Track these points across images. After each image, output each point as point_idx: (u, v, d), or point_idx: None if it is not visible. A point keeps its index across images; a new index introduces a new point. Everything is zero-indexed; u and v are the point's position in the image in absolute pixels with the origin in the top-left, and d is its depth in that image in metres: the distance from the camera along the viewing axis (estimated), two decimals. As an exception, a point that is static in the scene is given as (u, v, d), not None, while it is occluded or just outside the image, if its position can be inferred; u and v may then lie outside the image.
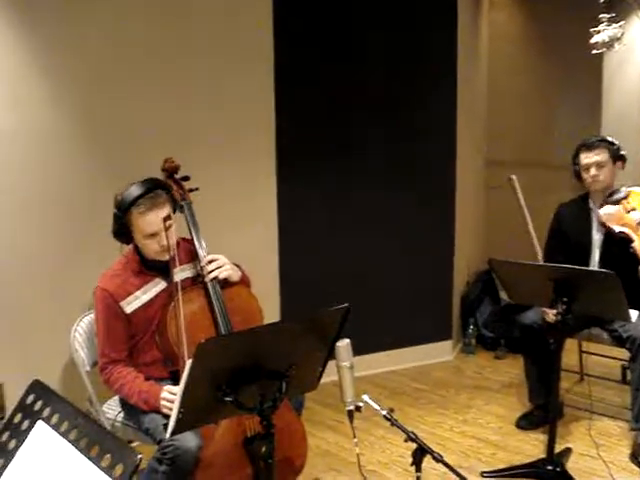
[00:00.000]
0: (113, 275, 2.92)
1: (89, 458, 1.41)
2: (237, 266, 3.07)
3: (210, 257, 2.97)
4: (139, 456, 1.33)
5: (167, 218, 2.83)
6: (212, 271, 2.93)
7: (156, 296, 2.94)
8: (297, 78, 4.35)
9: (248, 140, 4.17)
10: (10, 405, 3.42)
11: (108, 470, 1.36)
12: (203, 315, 2.90)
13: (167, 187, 2.94)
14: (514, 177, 3.69)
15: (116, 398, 3.08)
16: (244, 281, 3.10)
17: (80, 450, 1.45)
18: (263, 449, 2.22)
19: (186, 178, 3.09)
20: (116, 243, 2.92)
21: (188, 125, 3.89)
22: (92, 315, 3.15)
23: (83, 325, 3.16)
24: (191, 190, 3.08)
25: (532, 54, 6.06)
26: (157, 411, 2.75)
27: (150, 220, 2.80)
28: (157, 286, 2.96)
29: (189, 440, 2.56)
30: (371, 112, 4.62)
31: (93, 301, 2.93)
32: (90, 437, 1.46)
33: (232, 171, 4.11)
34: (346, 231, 4.66)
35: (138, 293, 2.91)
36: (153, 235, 2.82)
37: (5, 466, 1.60)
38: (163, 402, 2.72)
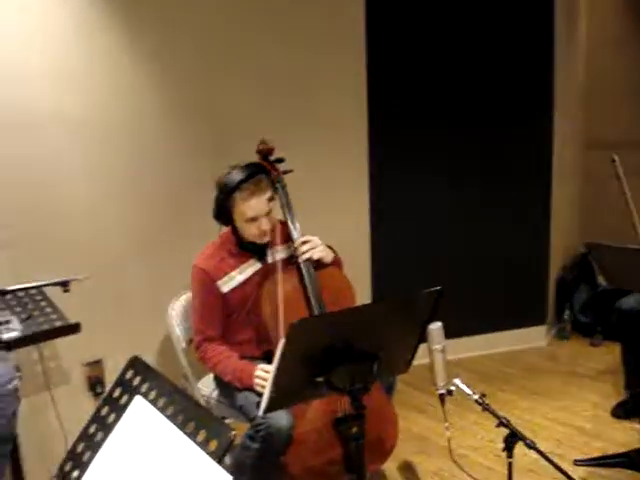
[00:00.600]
0: (210, 255, 2.98)
1: (185, 433, 1.44)
2: (329, 248, 3.08)
3: (304, 238, 2.99)
4: (233, 432, 1.36)
5: (268, 202, 2.87)
6: (306, 252, 2.95)
7: (251, 276, 2.99)
8: (390, 66, 4.32)
9: (341, 125, 4.17)
10: (109, 380, 3.55)
11: (203, 445, 1.38)
12: (296, 296, 2.92)
13: (267, 171, 2.96)
14: (616, 158, 3.56)
15: (210, 376, 3.15)
16: (336, 262, 3.11)
17: (176, 425, 1.48)
18: (354, 430, 2.24)
19: (280, 160, 3.11)
20: (215, 224, 2.98)
21: (283, 110, 3.92)
22: (189, 294, 3.23)
23: (180, 303, 3.25)
24: (285, 172, 3.10)
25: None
26: (251, 389, 2.79)
27: (252, 205, 2.84)
28: (252, 267, 3.00)
29: (281, 419, 2.60)
30: (465, 96, 4.54)
31: (190, 280, 3.00)
32: (186, 413, 1.49)
33: (324, 154, 4.11)
34: (439, 214, 4.61)
35: (234, 273, 2.96)
36: (254, 219, 2.87)
37: (104, 439, 1.65)
38: (257, 380, 2.76)
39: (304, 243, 2.97)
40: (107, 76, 3.45)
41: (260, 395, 2.62)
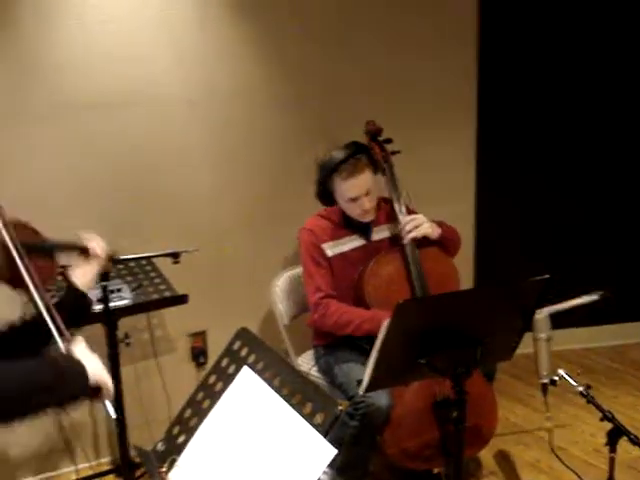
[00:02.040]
0: (318, 220, 3.02)
1: (291, 405, 1.47)
2: (439, 223, 3.05)
3: (409, 218, 2.97)
4: (340, 407, 1.37)
5: (368, 182, 2.87)
6: (410, 231, 2.93)
7: (354, 251, 3.00)
8: (502, 55, 4.21)
9: (450, 111, 4.10)
10: (212, 351, 3.64)
11: (309, 418, 1.41)
12: (399, 276, 2.92)
13: (368, 150, 2.96)
14: None
15: (310, 352, 3.19)
16: (447, 236, 3.07)
17: (283, 397, 1.51)
18: (453, 414, 2.22)
19: (388, 140, 3.10)
20: (316, 205, 3.02)
21: (393, 92, 3.89)
22: (294, 271, 3.28)
23: (284, 279, 3.29)
24: (393, 153, 3.09)
25: None
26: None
27: (351, 185, 2.86)
28: (355, 242, 3.02)
29: (381, 398, 2.61)
30: (579, 88, 4.38)
31: (299, 249, 3.06)
32: (293, 385, 1.52)
33: (432, 139, 4.05)
34: (547, 201, 4.48)
35: (338, 242, 2.98)
36: (354, 199, 2.88)
37: (211, 406, 1.70)
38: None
39: (409, 222, 2.95)
40: (226, 58, 3.50)
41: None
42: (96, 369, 1.53)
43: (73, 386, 1.47)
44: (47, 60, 3.14)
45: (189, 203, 3.52)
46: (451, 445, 2.47)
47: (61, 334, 1.64)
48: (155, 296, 2.99)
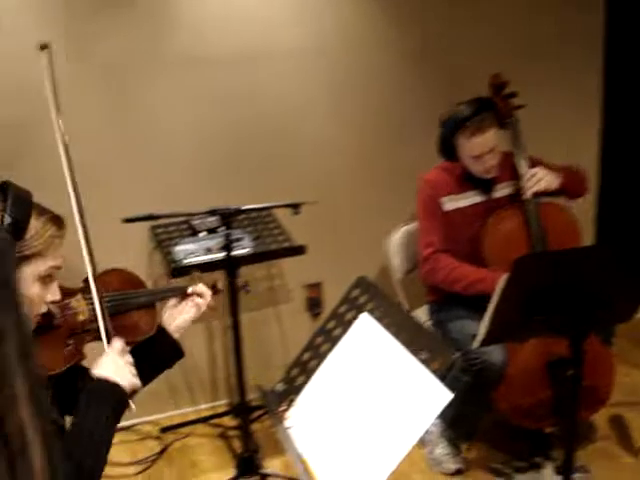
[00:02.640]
0: (439, 172, 3.02)
1: (409, 350, 1.50)
2: (563, 168, 3.01)
3: (529, 173, 2.92)
4: (456, 355, 1.40)
5: (493, 139, 2.84)
6: (532, 186, 2.88)
7: (474, 206, 2.98)
8: (630, 20, 4.02)
9: (575, 72, 3.97)
10: (328, 302, 3.72)
11: (426, 363, 1.44)
12: (519, 234, 2.89)
13: (494, 107, 2.92)
14: None
15: (424, 308, 3.21)
16: (568, 184, 3.00)
17: (401, 342, 1.54)
18: (569, 374, 2.20)
19: (513, 94, 3.04)
20: (436, 160, 3.01)
21: (519, 48, 3.80)
22: (409, 226, 3.29)
23: (400, 234, 3.31)
24: (517, 107, 3.03)
25: None
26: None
27: (476, 143, 2.83)
28: (474, 197, 2.99)
29: (496, 355, 2.61)
30: None
31: (416, 204, 3.06)
32: (410, 333, 1.55)
33: (555, 98, 3.94)
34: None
35: (458, 196, 2.98)
36: (478, 157, 2.85)
37: (330, 350, 1.76)
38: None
39: (530, 178, 2.90)
40: (348, 11, 3.51)
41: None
42: (126, 376, 1.55)
43: (123, 408, 1.54)
44: (186, 14, 3.25)
45: (309, 155, 3.58)
46: (564, 405, 2.45)
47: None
48: (274, 246, 3.08)
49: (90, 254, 1.58)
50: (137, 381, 1.58)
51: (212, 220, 3.10)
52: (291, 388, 1.81)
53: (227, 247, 2.68)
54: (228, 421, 3.51)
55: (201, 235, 3.05)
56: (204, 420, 3.47)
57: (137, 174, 3.27)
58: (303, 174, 3.54)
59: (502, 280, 2.03)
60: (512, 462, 3.02)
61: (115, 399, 1.50)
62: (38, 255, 1.38)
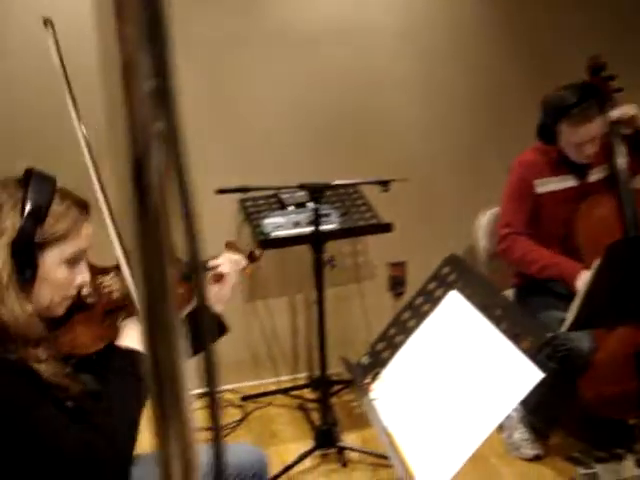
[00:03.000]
0: (534, 154, 2.97)
1: (499, 329, 1.50)
2: None
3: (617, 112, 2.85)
4: (549, 334, 1.39)
5: (596, 130, 2.77)
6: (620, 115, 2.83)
7: (565, 190, 2.93)
8: None
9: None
10: (411, 282, 3.72)
11: (515, 341, 1.43)
12: (612, 219, 2.81)
13: (598, 92, 2.84)
14: None
15: (509, 291, 3.18)
16: None
17: (491, 321, 1.54)
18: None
19: (612, 77, 2.95)
20: (528, 142, 2.97)
21: (617, 30, 3.69)
22: (497, 210, 3.25)
23: (489, 216, 3.28)
24: (617, 90, 2.94)
25: None
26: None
27: (580, 132, 2.76)
28: (567, 182, 2.94)
29: (584, 341, 2.56)
30: None
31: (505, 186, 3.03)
32: (501, 311, 1.54)
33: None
34: None
35: (552, 179, 2.93)
36: (579, 145, 2.79)
37: (416, 326, 1.77)
38: (584, 282, 2.52)
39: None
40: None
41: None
42: None
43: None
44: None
45: (400, 134, 3.57)
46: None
47: None
48: (361, 223, 3.09)
49: (118, 232, 1.56)
50: None
51: (301, 195, 3.14)
52: (376, 361, 1.82)
53: (315, 222, 2.70)
54: (307, 393, 3.57)
55: (289, 209, 3.08)
56: (284, 391, 3.53)
57: (229, 148, 3.33)
58: (393, 153, 3.54)
59: (595, 264, 2.00)
60: (592, 451, 2.97)
61: (139, 369, 1.48)
62: (62, 239, 1.40)
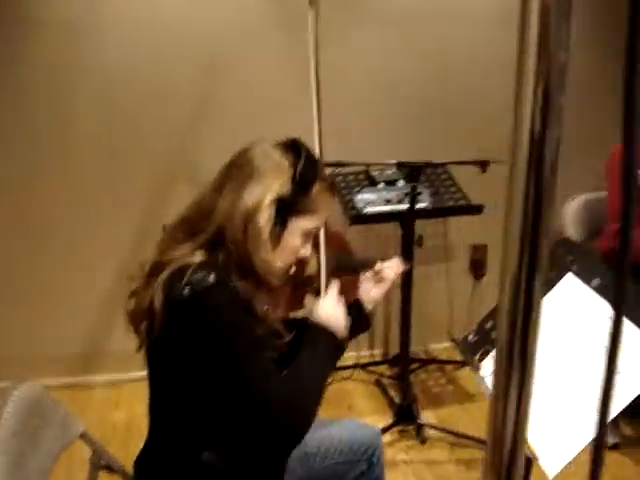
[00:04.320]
0: None
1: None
2: None
3: None
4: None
5: None
6: None
7: None
8: None
9: None
10: (491, 265, 3.72)
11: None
12: None
13: None
14: None
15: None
16: None
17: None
18: None
19: None
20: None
21: None
22: (589, 195, 3.23)
23: (579, 203, 3.25)
24: None
25: None
26: None
27: None
28: None
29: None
30: None
31: (607, 169, 2.98)
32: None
33: None
34: None
35: None
36: None
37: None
38: None
39: None
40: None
41: None
42: (341, 326, 1.60)
43: (337, 355, 1.60)
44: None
45: (494, 117, 3.55)
46: None
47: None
48: (451, 203, 3.09)
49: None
50: (345, 332, 1.63)
51: (391, 172, 3.15)
52: (485, 339, 1.85)
53: (412, 199, 2.71)
54: (384, 370, 3.60)
55: (380, 186, 3.10)
56: (362, 367, 3.57)
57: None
58: (485, 135, 3.52)
59: None
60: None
61: (330, 346, 1.56)
62: (313, 212, 1.51)
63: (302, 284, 1.76)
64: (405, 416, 3.02)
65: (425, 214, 3.03)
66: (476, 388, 3.42)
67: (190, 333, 1.38)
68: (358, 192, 3.04)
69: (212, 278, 1.36)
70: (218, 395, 1.41)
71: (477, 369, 1.76)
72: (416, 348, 3.54)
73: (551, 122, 0.48)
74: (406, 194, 2.98)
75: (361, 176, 3.21)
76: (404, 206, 2.88)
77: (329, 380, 1.54)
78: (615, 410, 1.39)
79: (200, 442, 1.51)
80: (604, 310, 1.55)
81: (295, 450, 1.68)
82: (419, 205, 2.98)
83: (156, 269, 1.44)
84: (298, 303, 1.72)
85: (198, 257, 1.42)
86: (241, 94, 3.24)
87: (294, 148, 1.50)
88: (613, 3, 3.49)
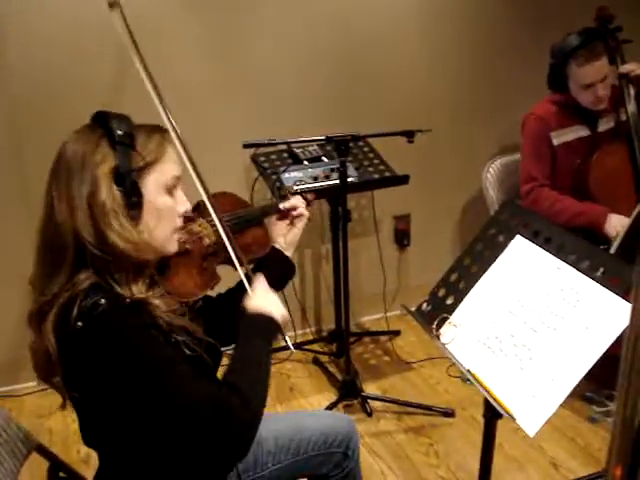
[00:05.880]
0: (548, 105, 3.01)
1: (577, 269, 1.53)
2: None
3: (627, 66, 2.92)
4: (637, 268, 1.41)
5: (605, 69, 2.83)
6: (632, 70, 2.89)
7: (578, 140, 2.98)
8: None
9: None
10: (415, 234, 3.77)
11: (601, 281, 1.46)
12: (624, 168, 2.88)
13: (604, 37, 2.89)
14: None
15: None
16: None
17: (566, 261, 1.57)
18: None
19: (619, 28, 3.00)
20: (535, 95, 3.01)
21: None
22: (503, 159, 3.30)
23: (497, 166, 3.32)
24: (624, 41, 2.99)
25: None
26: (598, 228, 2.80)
27: (587, 71, 2.81)
28: (580, 132, 2.99)
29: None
30: None
31: (521, 132, 3.07)
32: (578, 252, 1.57)
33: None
34: None
35: (565, 130, 2.98)
36: (589, 86, 2.84)
37: (481, 271, 1.79)
38: (612, 225, 2.72)
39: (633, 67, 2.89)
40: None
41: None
42: (279, 309, 1.53)
43: (274, 339, 1.51)
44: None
45: (404, 90, 3.57)
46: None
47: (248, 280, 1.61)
48: (377, 175, 3.10)
49: (199, 177, 1.56)
50: (286, 312, 1.57)
51: (314, 149, 3.13)
52: (440, 307, 1.85)
53: (342, 174, 2.69)
54: (320, 347, 3.60)
55: (304, 164, 3.07)
56: (298, 346, 3.55)
57: (233, 104, 3.29)
58: (396, 106, 3.55)
59: (638, 208, 2.05)
60: (604, 390, 3.07)
61: (270, 333, 1.50)
62: (156, 163, 1.39)
63: (207, 256, 1.68)
64: (349, 391, 3.03)
65: (354, 188, 3.03)
66: (413, 356, 3.46)
67: (96, 368, 1.26)
68: (284, 171, 3.00)
69: (103, 302, 1.26)
70: (153, 424, 1.29)
71: (437, 337, 1.76)
72: (352, 322, 3.55)
73: None
74: (332, 169, 2.98)
75: (284, 155, 3.18)
76: (332, 182, 2.87)
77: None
78: (587, 366, 1.42)
79: (150, 472, 1.44)
80: (559, 267, 1.58)
81: (270, 442, 1.64)
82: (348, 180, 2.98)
83: (42, 313, 1.31)
84: (211, 278, 1.64)
85: (81, 282, 1.29)
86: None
87: (98, 119, 1.39)
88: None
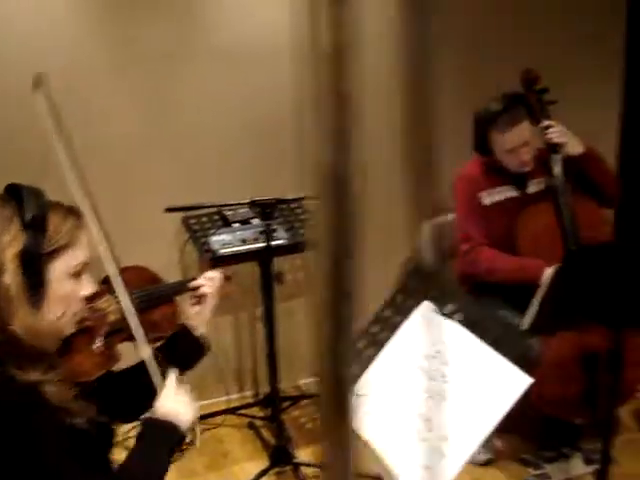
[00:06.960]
0: (475, 167, 3.04)
1: (479, 337, 1.52)
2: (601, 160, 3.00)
3: (553, 128, 2.93)
4: (533, 340, 1.42)
5: (526, 134, 2.86)
6: (552, 137, 2.90)
7: (508, 200, 3.00)
8: None
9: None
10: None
11: (500, 350, 1.46)
12: (551, 229, 2.90)
13: (525, 101, 2.93)
14: None
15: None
16: (594, 159, 2.98)
17: (468, 329, 1.56)
18: (608, 365, 2.22)
19: (545, 90, 3.04)
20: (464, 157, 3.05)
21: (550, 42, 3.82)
22: (436, 220, 3.31)
23: (428, 229, 3.31)
24: (550, 103, 3.03)
25: None
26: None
27: (509, 137, 2.84)
28: (510, 192, 3.01)
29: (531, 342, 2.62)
30: None
31: (452, 194, 3.06)
32: (477, 320, 1.57)
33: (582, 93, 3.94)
34: None
35: (494, 190, 3.00)
36: (512, 150, 2.87)
37: (389, 337, 1.77)
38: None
39: (553, 130, 2.91)
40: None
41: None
42: (187, 413, 1.54)
43: (176, 447, 1.53)
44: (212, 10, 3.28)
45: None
46: (599, 397, 2.48)
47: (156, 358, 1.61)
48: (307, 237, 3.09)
49: (111, 252, 1.54)
50: (194, 412, 1.57)
51: (245, 211, 3.12)
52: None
53: (267, 237, 2.68)
54: (256, 411, 3.54)
55: (234, 226, 3.06)
56: (233, 411, 3.49)
57: (165, 166, 3.28)
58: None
59: (550, 271, 2.05)
60: (541, 452, 3.05)
61: (173, 442, 1.49)
62: (66, 248, 1.36)
63: (110, 333, 1.64)
64: (281, 457, 2.96)
65: (282, 251, 3.02)
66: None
67: None
68: (213, 234, 2.98)
69: None
70: None
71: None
72: (286, 385, 3.50)
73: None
74: (261, 232, 2.96)
75: (215, 217, 3.16)
76: (260, 245, 2.85)
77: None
78: (487, 430, 1.40)
79: None
80: (466, 338, 1.57)
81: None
82: (275, 242, 2.96)
83: None
84: (110, 358, 1.60)
85: None
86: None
87: (12, 193, 1.35)
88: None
